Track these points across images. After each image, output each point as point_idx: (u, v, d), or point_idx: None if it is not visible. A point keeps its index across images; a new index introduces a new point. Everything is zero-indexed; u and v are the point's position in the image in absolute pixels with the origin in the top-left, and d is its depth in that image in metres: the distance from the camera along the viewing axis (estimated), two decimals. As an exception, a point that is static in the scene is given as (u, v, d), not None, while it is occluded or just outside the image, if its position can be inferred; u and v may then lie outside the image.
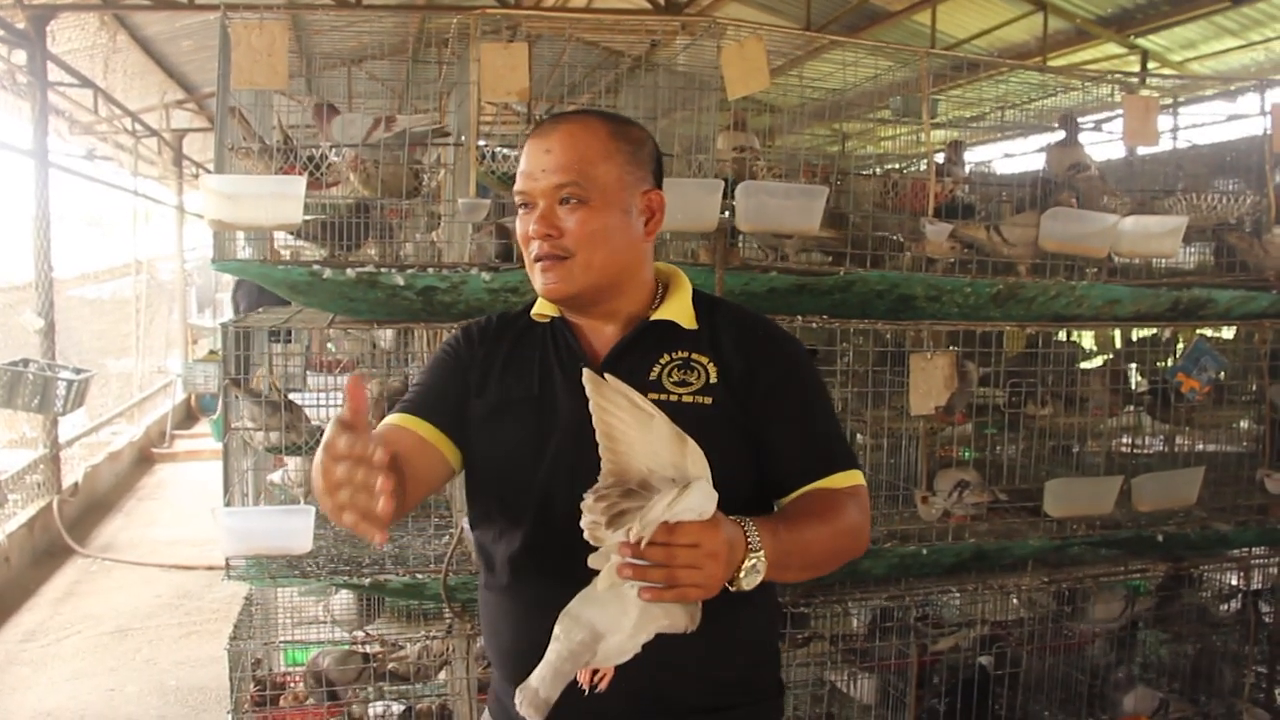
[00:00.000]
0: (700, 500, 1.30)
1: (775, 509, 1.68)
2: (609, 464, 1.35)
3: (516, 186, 1.64)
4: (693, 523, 1.30)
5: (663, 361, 1.64)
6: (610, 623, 1.35)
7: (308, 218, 3.06)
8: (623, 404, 1.34)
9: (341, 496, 1.25)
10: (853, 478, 1.63)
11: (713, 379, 1.63)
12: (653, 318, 1.67)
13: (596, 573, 1.38)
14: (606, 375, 1.37)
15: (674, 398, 1.60)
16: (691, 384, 1.62)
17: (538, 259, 1.61)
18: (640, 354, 1.65)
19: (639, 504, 1.30)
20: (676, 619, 1.36)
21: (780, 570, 1.44)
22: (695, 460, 1.34)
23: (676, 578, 1.29)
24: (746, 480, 1.63)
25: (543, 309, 1.73)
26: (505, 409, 1.67)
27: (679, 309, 1.69)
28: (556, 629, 1.38)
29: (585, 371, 1.37)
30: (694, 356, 1.65)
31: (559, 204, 1.59)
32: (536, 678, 1.36)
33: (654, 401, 1.53)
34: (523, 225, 1.63)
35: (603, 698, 1.45)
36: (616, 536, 1.30)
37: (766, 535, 1.41)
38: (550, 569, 1.56)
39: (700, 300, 1.73)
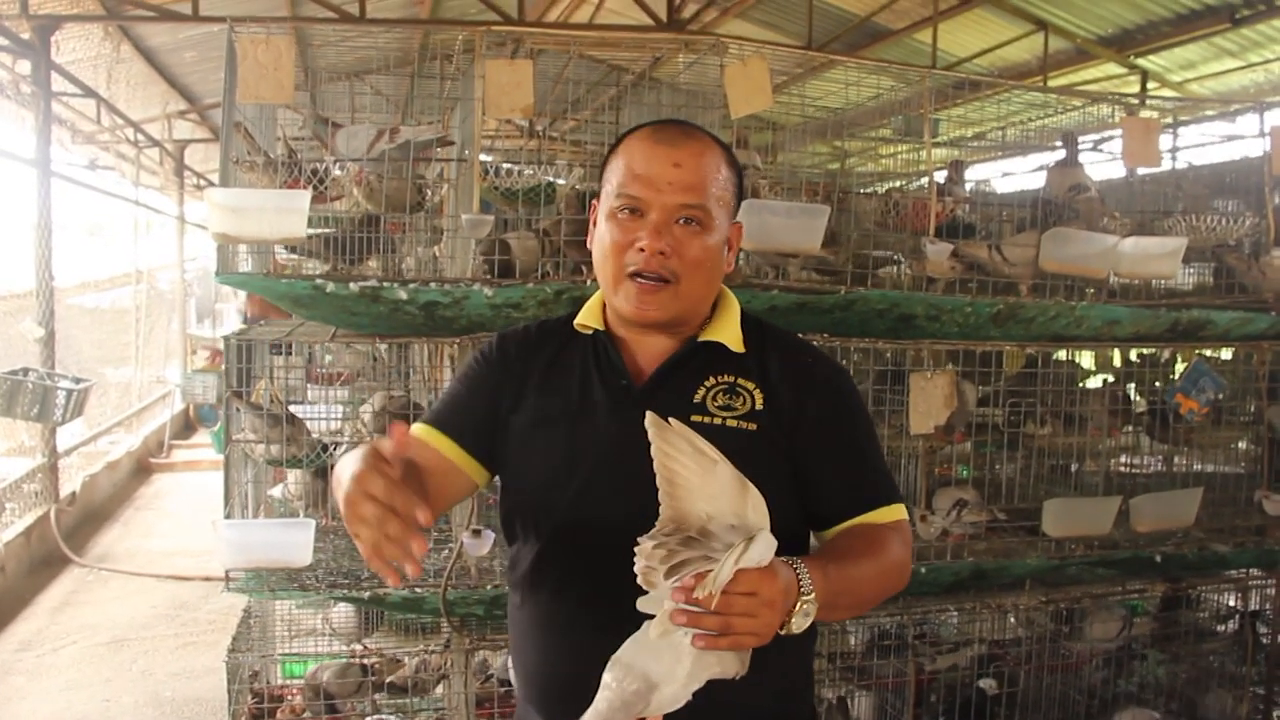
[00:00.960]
0: (761, 551, 1.27)
1: (813, 540, 1.65)
2: (668, 509, 1.31)
3: (627, 189, 1.55)
4: (751, 570, 1.26)
5: (708, 384, 1.60)
6: (665, 672, 1.31)
7: (311, 232, 3.07)
8: (686, 449, 1.30)
9: (364, 533, 1.28)
10: (896, 512, 1.60)
11: (758, 405, 1.58)
12: (701, 338, 1.63)
13: (625, 595, 1.34)
14: (671, 420, 1.32)
15: (718, 421, 1.56)
16: (736, 409, 1.58)
17: (637, 275, 1.54)
18: (686, 375, 1.61)
19: (698, 553, 1.28)
20: (729, 665, 1.33)
21: (829, 610, 1.41)
22: (757, 507, 1.31)
23: (732, 626, 1.25)
24: (789, 510, 1.58)
25: (586, 319, 1.68)
26: (541, 425, 1.63)
27: (728, 331, 1.64)
28: (607, 676, 1.34)
29: (649, 415, 1.32)
30: (740, 381, 1.60)
31: (675, 222, 1.54)
32: None
33: (696, 424, 1.52)
34: (623, 232, 1.56)
35: None
36: (671, 582, 1.28)
37: (818, 577, 1.37)
38: (580, 592, 1.55)
39: (748, 323, 1.68)
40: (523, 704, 1.72)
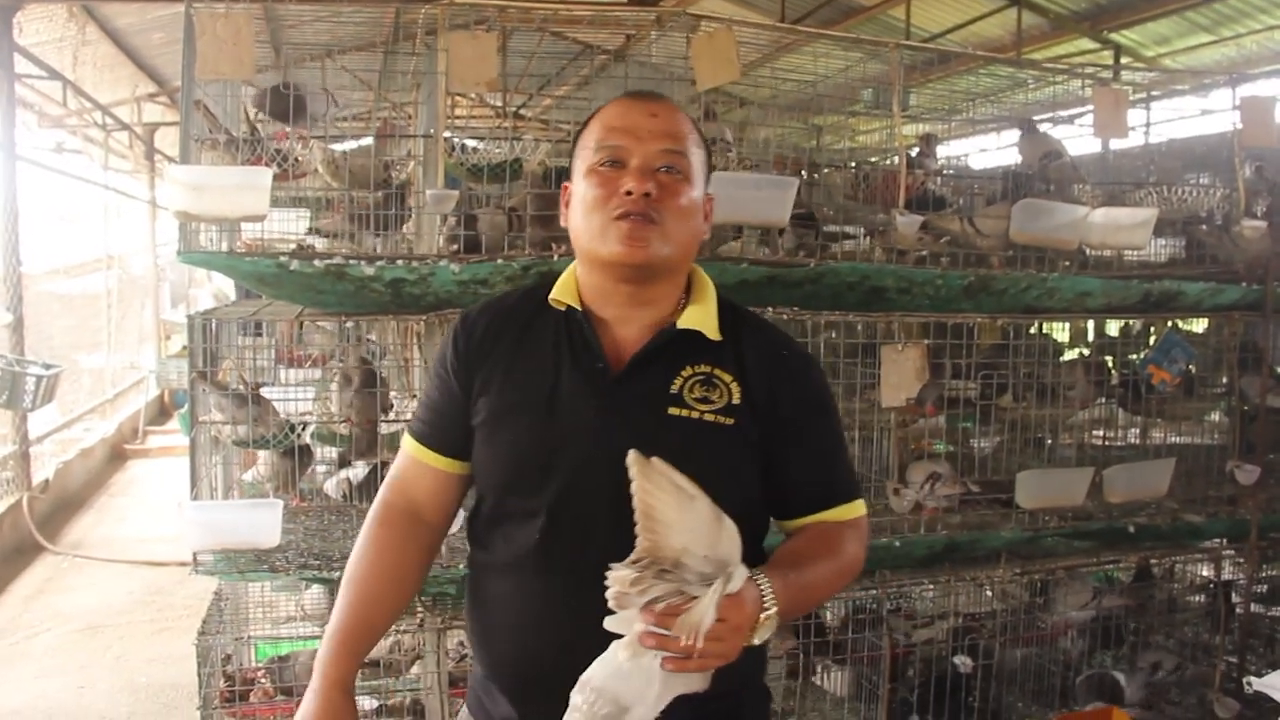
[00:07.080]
0: (735, 586, 1.31)
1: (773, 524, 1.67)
2: (645, 542, 1.32)
3: (606, 140, 1.56)
4: (721, 599, 1.30)
5: (685, 374, 1.57)
6: (635, 695, 1.34)
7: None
8: (666, 486, 1.31)
9: None
10: (856, 509, 1.63)
11: (735, 399, 1.57)
12: (679, 325, 1.59)
13: (593, 593, 1.34)
14: (653, 458, 1.31)
15: (695, 414, 1.54)
16: (714, 402, 1.56)
17: (624, 215, 1.51)
18: (663, 364, 1.58)
19: (671, 585, 1.30)
20: (694, 683, 1.35)
21: (786, 615, 1.43)
22: (729, 539, 1.34)
23: (702, 650, 1.28)
24: (758, 503, 1.61)
25: (561, 295, 1.62)
26: (511, 410, 1.60)
27: (704, 318, 1.61)
28: (576, 698, 1.35)
29: (631, 454, 1.31)
30: (717, 372, 1.58)
31: (658, 170, 1.54)
32: None
33: (675, 417, 1.53)
34: (603, 185, 1.54)
35: None
36: (639, 602, 1.30)
37: (779, 588, 1.39)
38: (555, 584, 1.54)
39: (724, 309, 1.65)
40: (485, 684, 1.68)
